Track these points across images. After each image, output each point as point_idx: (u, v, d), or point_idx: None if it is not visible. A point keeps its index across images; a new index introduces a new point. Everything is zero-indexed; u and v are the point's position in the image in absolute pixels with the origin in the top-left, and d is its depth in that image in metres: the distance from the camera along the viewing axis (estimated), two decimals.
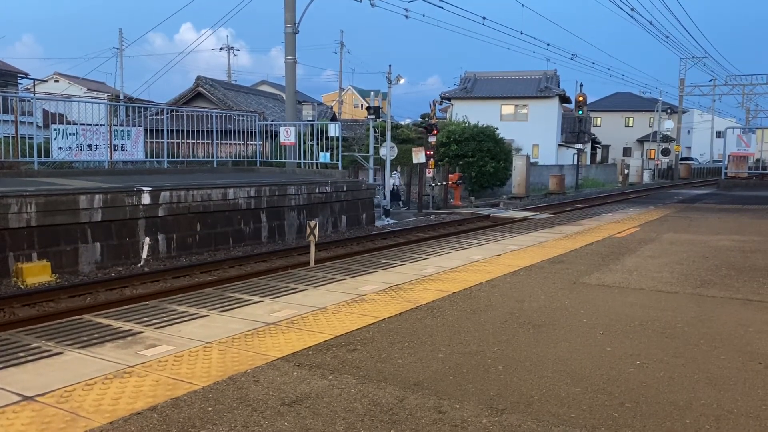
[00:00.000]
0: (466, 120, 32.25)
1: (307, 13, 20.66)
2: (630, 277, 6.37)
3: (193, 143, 20.30)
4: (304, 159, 19.99)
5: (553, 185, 33.49)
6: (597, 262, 7.34)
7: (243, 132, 22.00)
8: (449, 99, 45.81)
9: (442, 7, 22.45)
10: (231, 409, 2.98)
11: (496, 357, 3.80)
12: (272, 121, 24.58)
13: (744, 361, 3.77)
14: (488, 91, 45.77)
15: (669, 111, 55.35)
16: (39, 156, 15.34)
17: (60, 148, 15.47)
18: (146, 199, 11.84)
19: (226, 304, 5.14)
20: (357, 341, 4.11)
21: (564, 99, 46.07)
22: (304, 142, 19.87)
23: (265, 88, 49.39)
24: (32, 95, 27.92)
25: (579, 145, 42.44)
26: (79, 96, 37.33)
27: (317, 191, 15.99)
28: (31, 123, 16.31)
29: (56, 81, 54.46)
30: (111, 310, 5.10)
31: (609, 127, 68.05)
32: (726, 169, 30.71)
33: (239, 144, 22.42)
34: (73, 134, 15.74)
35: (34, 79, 39.28)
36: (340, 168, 19.38)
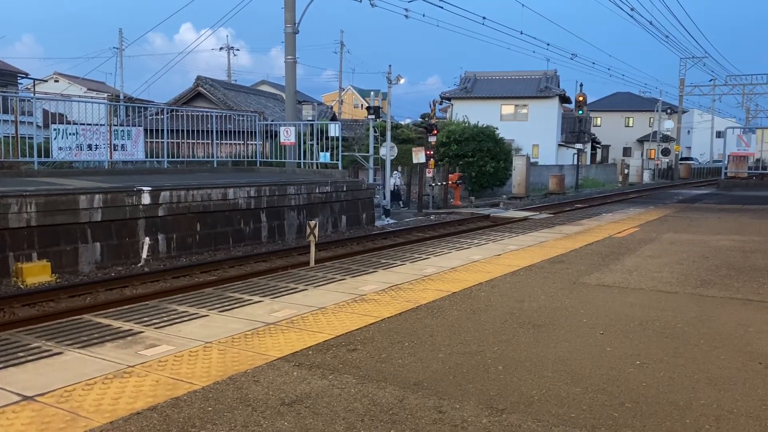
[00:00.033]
0: (466, 120, 32.26)
1: (307, 13, 20.68)
2: (630, 277, 6.37)
3: (193, 143, 20.30)
4: (304, 159, 19.99)
5: (553, 185, 33.49)
6: (597, 262, 7.34)
7: (243, 132, 22.00)
8: (449, 99, 45.82)
9: (442, 7, 22.48)
10: (231, 409, 2.98)
11: (496, 357, 3.80)
12: (272, 121, 24.57)
13: (744, 361, 3.77)
14: (488, 91, 45.78)
15: (669, 111, 55.34)
16: (39, 156, 15.34)
17: (60, 148, 15.47)
18: (146, 199, 11.84)
19: (226, 304, 5.14)
20: (357, 341, 4.11)
21: (564, 99, 46.08)
22: (304, 142, 19.87)
23: (265, 88, 49.40)
24: (32, 95, 27.93)
25: (579, 145, 42.44)
26: (79, 96, 37.33)
27: (317, 191, 16.00)
28: (31, 123, 16.31)
29: (56, 81, 54.48)
30: (111, 310, 5.10)
31: (609, 127, 68.06)
32: (726, 169, 30.72)
33: (239, 144, 22.43)
34: (73, 134, 15.74)
35: (34, 79, 39.29)
36: (340, 168, 19.38)
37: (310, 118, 21.25)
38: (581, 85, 38.85)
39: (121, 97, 39.87)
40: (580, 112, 37.74)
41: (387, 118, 23.87)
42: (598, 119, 68.25)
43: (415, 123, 39.87)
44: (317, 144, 19.70)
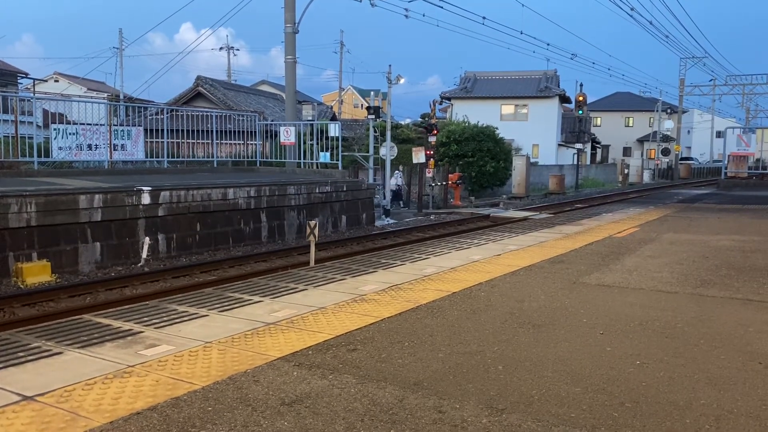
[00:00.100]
0: (466, 120, 32.26)
1: (307, 13, 20.68)
2: (630, 277, 6.37)
3: (193, 143, 20.30)
4: (304, 159, 19.99)
5: (553, 185, 33.49)
6: (597, 262, 7.34)
7: (243, 132, 22.00)
8: (449, 99, 45.82)
9: (442, 7, 22.47)
10: (231, 408, 2.98)
11: (496, 357, 3.80)
12: (272, 120, 24.57)
13: (744, 361, 3.77)
14: (488, 91, 45.78)
15: (669, 111, 55.35)
16: (39, 156, 15.33)
17: (60, 148, 15.47)
18: (146, 199, 11.84)
19: (226, 303, 5.14)
20: (357, 341, 4.11)
21: (564, 99, 46.08)
22: (304, 142, 19.87)
23: (265, 87, 49.39)
24: (32, 95, 27.93)
25: (579, 145, 42.43)
26: (79, 96, 37.34)
27: (317, 191, 16.00)
28: (31, 123, 16.31)
29: (56, 81, 54.45)
30: (111, 309, 5.10)
31: (609, 127, 68.06)
32: (726, 168, 30.72)
33: (239, 144, 22.43)
34: (73, 134, 15.73)
35: (34, 79, 39.27)
36: (340, 168, 19.38)
37: (310, 118, 21.25)
38: (581, 85, 38.89)
39: (121, 97, 39.87)
40: (580, 112, 37.74)
41: (387, 118, 23.87)
42: (598, 119, 68.25)
43: (415, 123, 39.88)
44: (317, 144, 19.71)
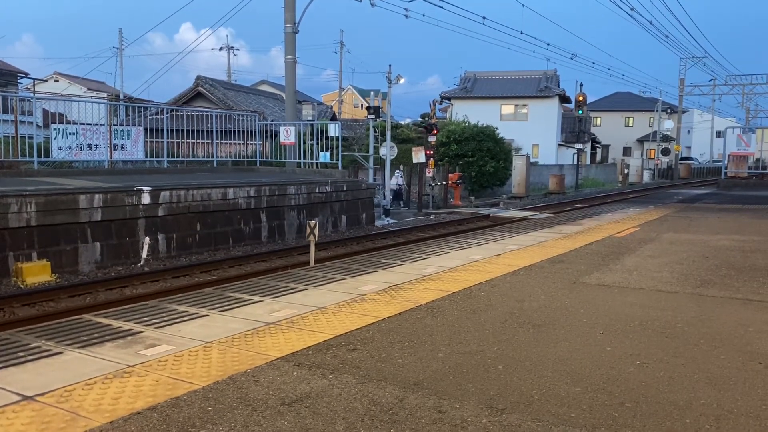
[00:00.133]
0: (466, 120, 32.27)
1: (307, 12, 20.68)
2: (630, 277, 6.37)
3: (193, 143, 20.30)
4: (304, 159, 19.99)
5: (553, 185, 33.50)
6: (597, 261, 7.34)
7: (243, 132, 22.00)
8: (449, 99, 45.82)
9: (442, 7, 22.48)
10: (231, 408, 2.98)
11: (496, 357, 3.80)
12: (272, 120, 24.57)
13: (744, 361, 3.77)
14: (488, 90, 45.78)
15: (669, 111, 55.35)
16: (39, 156, 15.34)
17: (60, 148, 15.47)
18: (146, 199, 11.84)
19: (226, 303, 5.14)
20: (357, 341, 4.11)
21: (564, 99, 46.08)
22: (304, 142, 19.87)
23: (265, 87, 49.39)
24: (32, 95, 27.92)
25: (579, 145, 42.43)
26: (79, 96, 37.32)
27: (317, 191, 16.00)
28: (31, 123, 16.30)
29: (56, 81, 54.43)
30: (111, 309, 5.09)
31: (609, 127, 68.06)
32: (726, 168, 30.72)
33: (239, 144, 22.43)
34: (73, 134, 15.74)
35: (34, 79, 39.25)
36: (340, 168, 19.39)
37: (310, 118, 21.26)
38: (581, 85, 38.88)
39: (121, 96, 39.86)
40: (580, 111, 37.73)
41: (387, 118, 23.87)
42: (598, 119, 68.24)
43: (415, 123, 39.88)
44: (317, 144, 19.71)
